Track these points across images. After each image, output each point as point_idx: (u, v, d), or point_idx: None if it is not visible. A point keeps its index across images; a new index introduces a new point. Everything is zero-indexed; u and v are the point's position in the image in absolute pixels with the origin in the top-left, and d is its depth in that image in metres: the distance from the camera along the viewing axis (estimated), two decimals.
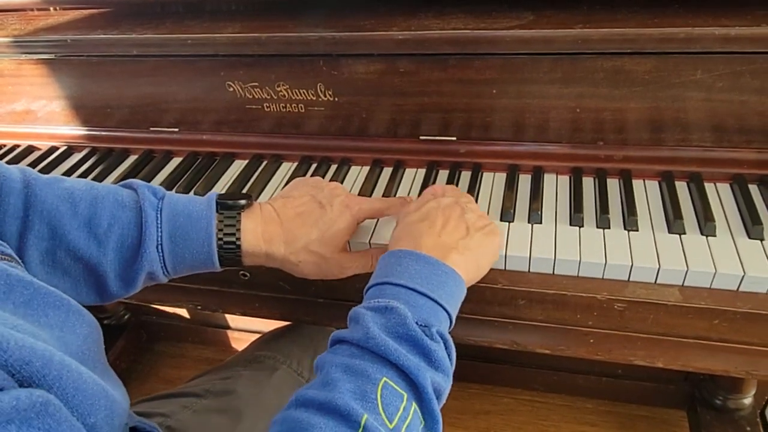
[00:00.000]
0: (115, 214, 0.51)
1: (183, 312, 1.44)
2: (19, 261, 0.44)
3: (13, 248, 0.48)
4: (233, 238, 0.54)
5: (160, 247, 0.52)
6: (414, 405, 0.40)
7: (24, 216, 0.49)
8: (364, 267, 0.59)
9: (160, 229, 0.52)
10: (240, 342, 1.45)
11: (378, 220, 0.65)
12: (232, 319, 1.43)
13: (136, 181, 0.55)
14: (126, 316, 1.45)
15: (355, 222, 0.59)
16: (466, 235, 0.52)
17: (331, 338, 0.45)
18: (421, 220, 0.53)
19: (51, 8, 0.88)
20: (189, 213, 0.53)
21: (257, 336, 0.85)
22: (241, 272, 0.67)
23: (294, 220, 0.56)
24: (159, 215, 0.52)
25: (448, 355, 0.44)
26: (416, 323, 0.43)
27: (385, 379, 0.40)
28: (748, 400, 1.08)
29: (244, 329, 1.43)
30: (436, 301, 0.46)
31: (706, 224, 0.60)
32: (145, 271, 0.52)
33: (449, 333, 0.47)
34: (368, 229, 0.64)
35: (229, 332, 1.45)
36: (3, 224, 0.48)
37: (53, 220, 0.49)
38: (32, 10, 0.89)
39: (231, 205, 0.54)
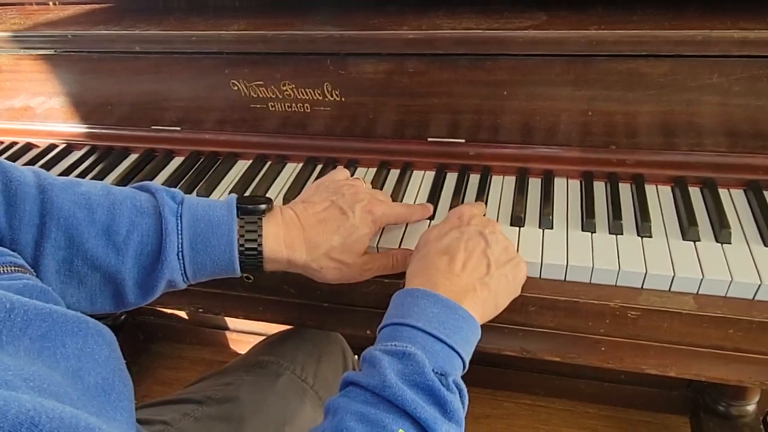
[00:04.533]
0: (134, 220, 0.49)
1: (181, 312, 1.42)
2: (32, 272, 0.42)
3: (29, 257, 0.46)
4: (255, 244, 0.52)
5: (180, 254, 0.50)
6: None
7: (40, 224, 0.47)
8: (385, 268, 0.58)
9: (180, 236, 0.50)
10: (238, 343, 1.43)
11: (406, 226, 0.63)
12: (231, 321, 1.41)
13: (153, 185, 0.53)
14: (122, 316, 1.43)
15: (376, 228, 0.58)
16: (486, 274, 0.50)
17: (343, 379, 0.44)
18: (442, 254, 0.51)
19: (50, 2, 0.86)
20: (210, 218, 0.51)
21: (256, 338, 0.84)
22: (245, 275, 0.65)
23: (315, 227, 0.55)
24: (179, 221, 0.50)
25: (463, 405, 0.43)
26: (434, 371, 0.42)
27: (401, 431, 0.39)
28: (751, 407, 1.08)
29: (243, 330, 1.41)
30: (452, 348, 0.45)
31: (721, 231, 0.59)
32: (165, 279, 0.50)
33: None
34: (397, 236, 0.62)
35: (228, 333, 1.43)
36: (19, 232, 0.46)
37: (70, 228, 0.47)
38: (31, 4, 0.87)
39: (252, 210, 0.53)
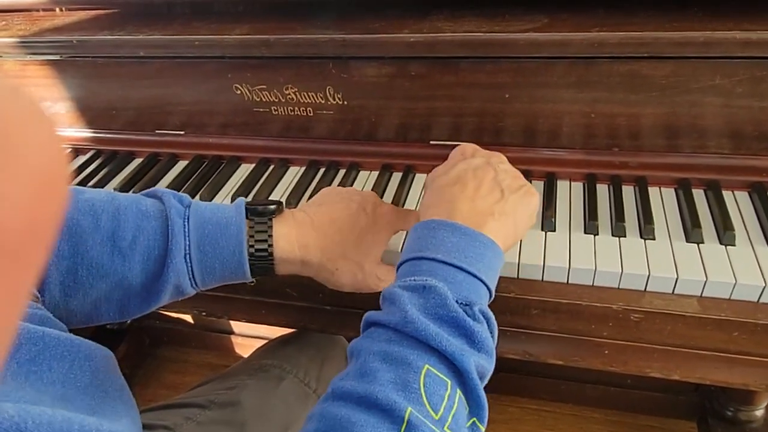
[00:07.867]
0: (140, 224, 0.48)
1: (186, 317, 1.43)
2: (37, 297, 0.42)
3: None
4: (265, 245, 0.51)
5: (188, 256, 0.49)
6: (459, 392, 0.38)
7: None
8: None
9: (187, 238, 0.49)
10: (244, 347, 1.43)
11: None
12: (236, 325, 1.42)
13: (160, 189, 0.52)
14: (128, 321, 1.44)
15: (391, 230, 0.56)
16: (501, 199, 0.49)
17: (364, 320, 0.42)
18: (453, 184, 0.49)
19: (57, 9, 0.87)
20: (217, 220, 0.50)
21: (261, 342, 0.84)
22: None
23: (330, 226, 0.53)
24: (186, 223, 0.49)
25: (492, 334, 0.42)
26: (457, 302, 0.40)
27: (427, 366, 0.37)
28: (759, 412, 1.07)
29: (248, 335, 1.42)
30: (475, 276, 0.43)
31: (726, 233, 0.58)
32: (172, 284, 0.49)
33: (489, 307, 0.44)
34: (399, 237, 0.61)
35: (233, 337, 1.43)
36: None
37: (74, 236, 0.46)
38: (38, 10, 0.88)
39: (261, 211, 0.51)
